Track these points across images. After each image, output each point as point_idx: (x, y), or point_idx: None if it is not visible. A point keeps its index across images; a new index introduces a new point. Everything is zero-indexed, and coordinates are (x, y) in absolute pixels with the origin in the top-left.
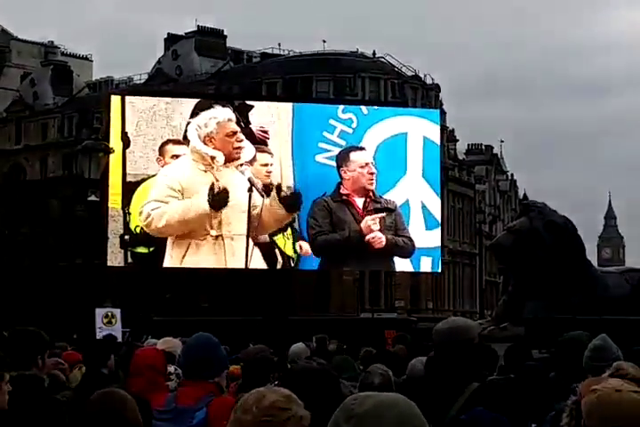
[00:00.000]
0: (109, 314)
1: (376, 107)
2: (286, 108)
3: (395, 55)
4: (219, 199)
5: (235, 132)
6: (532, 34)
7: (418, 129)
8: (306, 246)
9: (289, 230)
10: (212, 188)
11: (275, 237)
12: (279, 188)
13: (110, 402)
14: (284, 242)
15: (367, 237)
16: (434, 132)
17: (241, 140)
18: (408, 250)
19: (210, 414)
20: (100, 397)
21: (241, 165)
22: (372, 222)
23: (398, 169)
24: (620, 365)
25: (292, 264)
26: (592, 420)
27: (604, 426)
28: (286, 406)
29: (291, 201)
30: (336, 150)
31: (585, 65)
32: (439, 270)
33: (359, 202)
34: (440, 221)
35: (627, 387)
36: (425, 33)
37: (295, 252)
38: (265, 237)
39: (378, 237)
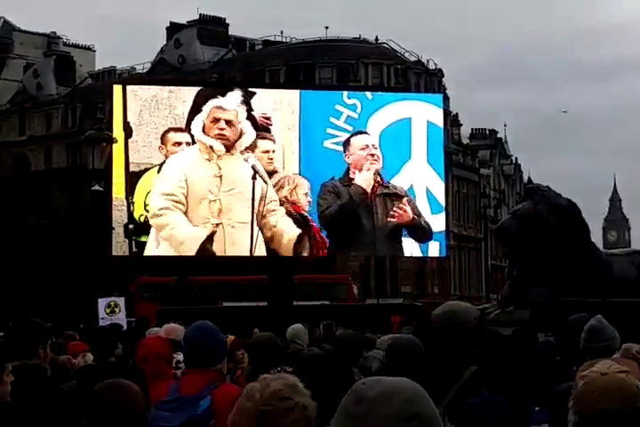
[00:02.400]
0: (112, 303)
1: (380, 92)
2: (291, 94)
3: (397, 41)
4: None
5: (217, 120)
6: (538, 17)
7: (421, 113)
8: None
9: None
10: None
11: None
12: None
13: (116, 393)
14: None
15: (392, 211)
16: (437, 117)
17: (222, 129)
18: (428, 232)
19: (214, 402)
20: (106, 387)
21: (240, 152)
22: (367, 175)
23: (403, 154)
24: (630, 346)
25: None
26: (583, 406)
27: (595, 410)
28: (289, 396)
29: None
30: (343, 135)
31: (592, 49)
32: (445, 255)
33: (370, 183)
34: (445, 205)
35: (614, 368)
36: (428, 18)
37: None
38: (268, 223)
39: (404, 210)
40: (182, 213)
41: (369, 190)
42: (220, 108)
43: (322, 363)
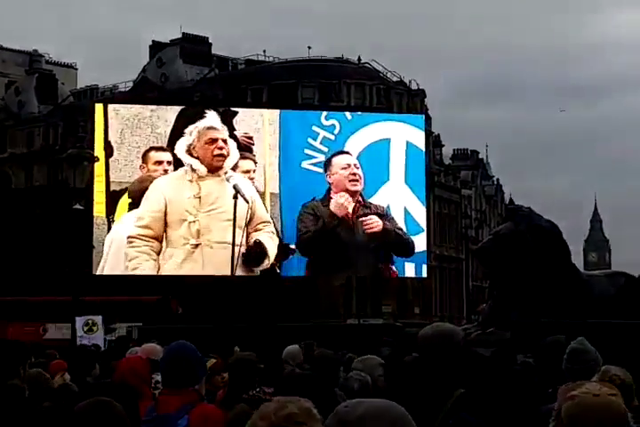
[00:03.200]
0: (90, 322)
1: (360, 113)
2: (272, 114)
3: (380, 60)
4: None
5: (214, 140)
6: (522, 37)
7: (401, 134)
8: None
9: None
10: None
11: (261, 239)
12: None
13: (99, 412)
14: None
15: (362, 220)
16: (418, 138)
17: (221, 148)
18: (410, 245)
19: (191, 421)
20: (89, 406)
21: (225, 173)
22: (343, 200)
23: (381, 175)
24: (608, 368)
25: (278, 270)
26: (572, 424)
27: None
28: (303, 421)
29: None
30: (320, 157)
31: (575, 69)
32: (424, 275)
33: (349, 207)
34: (425, 226)
35: (604, 390)
36: (411, 38)
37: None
38: (252, 241)
39: (373, 220)
40: (149, 238)
41: (349, 210)
42: (212, 128)
43: (302, 383)
